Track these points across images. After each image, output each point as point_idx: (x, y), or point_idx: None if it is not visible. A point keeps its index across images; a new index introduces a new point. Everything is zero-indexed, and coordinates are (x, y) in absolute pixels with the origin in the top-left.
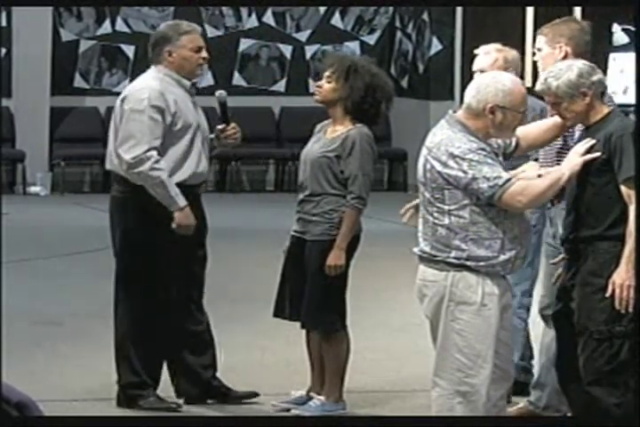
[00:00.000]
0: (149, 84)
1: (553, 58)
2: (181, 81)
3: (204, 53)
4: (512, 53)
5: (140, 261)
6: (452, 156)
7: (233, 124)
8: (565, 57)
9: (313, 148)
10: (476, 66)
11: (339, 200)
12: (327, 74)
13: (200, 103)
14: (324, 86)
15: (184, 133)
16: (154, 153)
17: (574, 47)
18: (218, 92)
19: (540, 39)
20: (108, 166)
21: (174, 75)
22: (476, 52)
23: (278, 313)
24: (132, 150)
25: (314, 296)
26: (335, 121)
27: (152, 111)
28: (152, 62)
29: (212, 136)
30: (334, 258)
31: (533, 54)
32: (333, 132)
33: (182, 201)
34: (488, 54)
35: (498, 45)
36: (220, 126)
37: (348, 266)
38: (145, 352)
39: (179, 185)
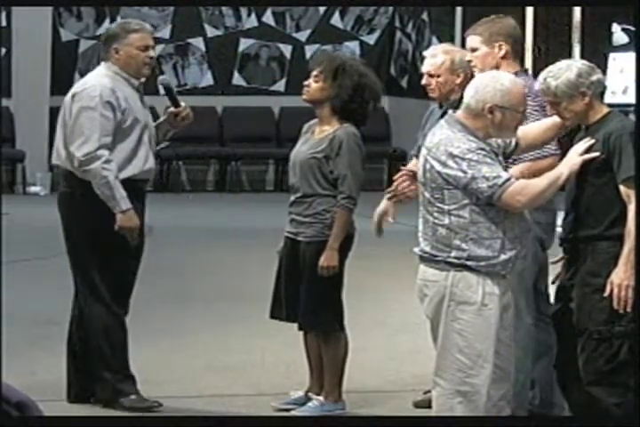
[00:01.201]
0: (100, 82)
1: (493, 57)
2: (130, 79)
3: (151, 53)
4: (460, 55)
5: (87, 257)
6: (452, 155)
7: (184, 105)
8: (505, 55)
9: (301, 149)
10: (423, 68)
11: (330, 201)
12: (315, 73)
13: (200, 103)
14: (312, 86)
15: (132, 130)
16: (105, 152)
17: (512, 44)
18: (160, 78)
19: (474, 39)
20: (53, 161)
21: (123, 73)
22: (424, 53)
23: (275, 315)
24: (82, 148)
25: (310, 297)
26: (322, 121)
27: (103, 108)
28: (103, 59)
29: (161, 120)
30: (327, 259)
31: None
32: (321, 133)
33: (126, 204)
34: (434, 57)
35: (447, 46)
36: (171, 109)
37: (343, 266)
38: (121, 348)
39: (127, 180)
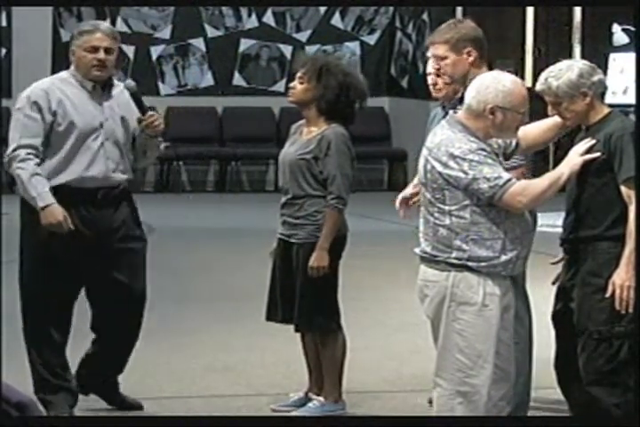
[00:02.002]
0: (39, 83)
1: (463, 64)
2: (83, 82)
3: (100, 54)
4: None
5: (36, 262)
6: (453, 156)
7: (150, 113)
8: (474, 61)
9: (289, 150)
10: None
11: (321, 202)
12: (299, 75)
13: (200, 103)
14: (297, 87)
15: (68, 134)
16: (21, 151)
17: (480, 50)
18: (126, 82)
19: (441, 47)
20: None
21: (77, 75)
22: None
23: (271, 317)
24: (6, 150)
25: (305, 299)
26: (309, 122)
27: (30, 109)
28: None
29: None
30: (317, 259)
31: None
32: (309, 134)
33: (43, 200)
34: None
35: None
36: (137, 117)
37: (337, 266)
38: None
39: (63, 187)
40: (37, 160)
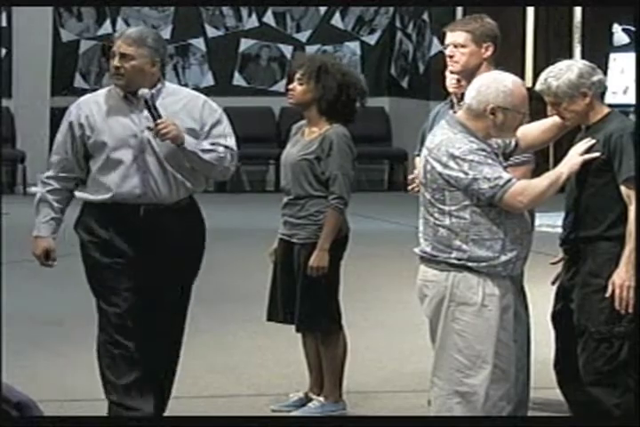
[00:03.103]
0: (84, 96)
1: (477, 57)
2: (118, 91)
3: (115, 62)
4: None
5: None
6: (453, 156)
7: (160, 120)
8: (489, 58)
9: (291, 151)
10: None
11: (323, 202)
12: (298, 76)
13: None
14: (297, 88)
15: (99, 148)
16: (46, 173)
17: (495, 49)
18: (140, 91)
19: (464, 35)
20: None
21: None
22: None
23: (272, 317)
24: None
25: (306, 299)
26: (310, 122)
27: (64, 125)
28: None
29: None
30: (316, 259)
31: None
32: (310, 134)
33: (35, 231)
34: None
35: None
36: (148, 126)
37: (339, 267)
38: None
39: (102, 204)
40: (55, 184)
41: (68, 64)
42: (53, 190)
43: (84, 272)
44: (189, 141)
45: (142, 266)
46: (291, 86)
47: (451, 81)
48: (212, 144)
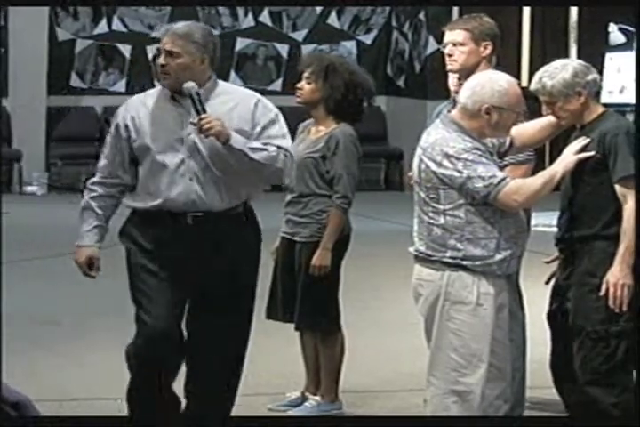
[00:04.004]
0: (133, 97)
1: (477, 55)
2: (166, 91)
3: (161, 60)
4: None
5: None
6: (447, 155)
7: (203, 115)
8: (487, 56)
9: (297, 149)
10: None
11: (327, 201)
12: (306, 75)
13: None
14: (305, 87)
15: (144, 152)
16: (95, 177)
17: (494, 48)
18: (186, 84)
19: (463, 34)
20: None
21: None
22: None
23: (272, 315)
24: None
25: (306, 298)
26: (318, 121)
27: (112, 127)
28: None
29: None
30: (319, 258)
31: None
32: (317, 133)
33: (78, 241)
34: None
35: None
36: (191, 121)
37: (340, 266)
38: None
39: (147, 211)
40: (99, 190)
41: (65, 64)
42: (97, 197)
43: (128, 280)
44: (237, 139)
45: (191, 277)
46: (299, 85)
47: (452, 80)
48: (264, 144)
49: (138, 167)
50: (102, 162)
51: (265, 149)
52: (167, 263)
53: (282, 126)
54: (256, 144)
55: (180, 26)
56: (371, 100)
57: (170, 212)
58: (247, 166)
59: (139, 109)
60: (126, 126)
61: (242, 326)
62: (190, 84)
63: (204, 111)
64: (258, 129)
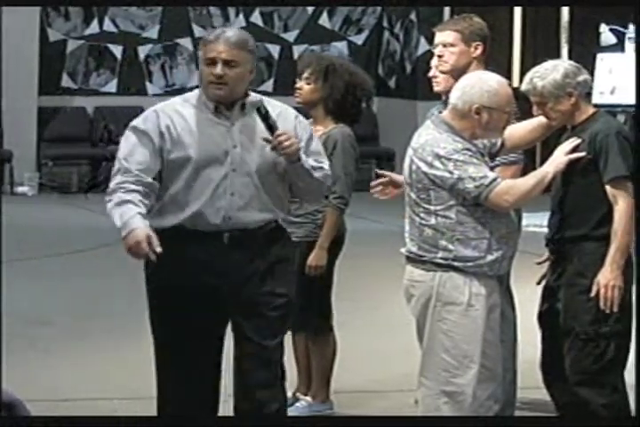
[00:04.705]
0: (160, 104)
1: (467, 56)
2: (206, 102)
3: (217, 69)
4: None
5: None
6: (438, 156)
7: (278, 132)
8: (478, 56)
9: None
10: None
11: (323, 201)
12: (306, 75)
13: None
14: (304, 88)
15: (182, 165)
16: (118, 179)
17: (485, 48)
18: (250, 97)
19: (454, 35)
20: None
21: (202, 94)
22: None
23: None
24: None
25: (299, 298)
26: (316, 121)
27: (136, 132)
28: None
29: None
30: (315, 258)
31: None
32: (315, 133)
33: (125, 230)
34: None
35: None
36: (264, 137)
37: (334, 266)
38: None
39: (178, 229)
40: (131, 186)
41: (56, 64)
42: (131, 191)
43: (149, 307)
44: (303, 157)
45: (226, 300)
46: (298, 85)
47: (434, 82)
48: (316, 161)
49: (164, 181)
50: (125, 165)
51: (321, 168)
52: (201, 287)
53: (317, 141)
54: (312, 162)
55: (232, 33)
56: (369, 101)
57: (204, 230)
58: (309, 186)
59: (173, 118)
60: (161, 134)
61: (280, 345)
62: (257, 98)
63: (277, 127)
64: (302, 144)
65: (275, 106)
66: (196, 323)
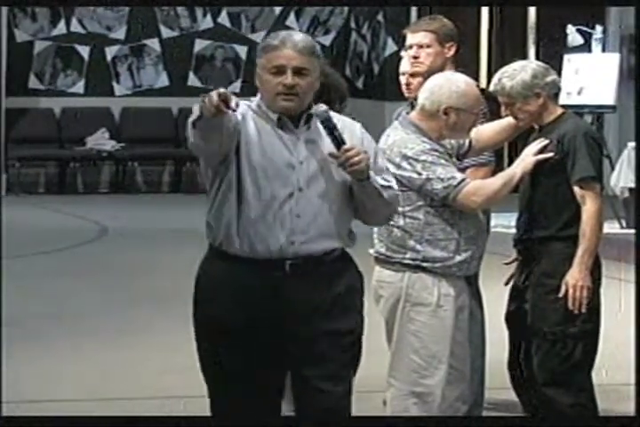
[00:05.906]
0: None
1: (442, 57)
2: (268, 112)
3: (287, 78)
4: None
5: None
6: (406, 157)
7: (346, 146)
8: (451, 57)
9: None
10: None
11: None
12: None
13: (156, 104)
14: None
15: (246, 178)
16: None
17: (456, 48)
18: (315, 107)
19: (430, 36)
20: None
21: (262, 104)
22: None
23: None
24: None
25: None
26: None
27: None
28: None
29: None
30: None
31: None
32: None
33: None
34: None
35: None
36: (331, 152)
37: None
38: None
39: (234, 256)
40: None
41: (23, 65)
42: None
43: (195, 338)
44: (372, 175)
45: (288, 335)
46: None
47: (404, 86)
48: (384, 179)
49: (218, 195)
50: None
51: (390, 187)
52: (259, 321)
53: (384, 158)
54: (381, 181)
55: (300, 38)
56: (343, 103)
57: (262, 258)
58: (377, 207)
59: (248, 123)
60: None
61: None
62: (322, 108)
63: (344, 142)
64: (370, 160)
65: (338, 118)
66: (252, 374)
